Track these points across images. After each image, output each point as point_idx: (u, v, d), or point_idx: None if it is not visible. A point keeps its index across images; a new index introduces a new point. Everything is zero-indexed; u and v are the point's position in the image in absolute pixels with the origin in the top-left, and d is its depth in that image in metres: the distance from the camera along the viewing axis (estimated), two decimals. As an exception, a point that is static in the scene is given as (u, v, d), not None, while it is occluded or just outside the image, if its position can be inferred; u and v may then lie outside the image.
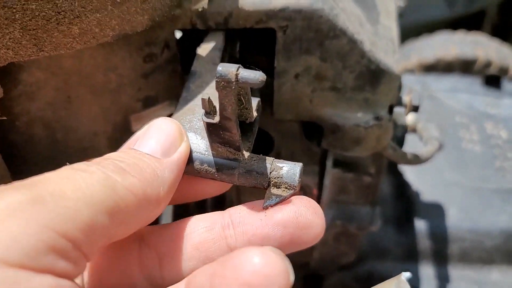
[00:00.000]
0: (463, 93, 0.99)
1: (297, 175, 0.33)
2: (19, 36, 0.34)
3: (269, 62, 0.47)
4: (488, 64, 1.13)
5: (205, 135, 0.34)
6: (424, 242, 0.79)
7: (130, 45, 0.41)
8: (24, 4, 0.33)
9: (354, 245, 0.66)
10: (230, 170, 0.34)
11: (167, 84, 0.46)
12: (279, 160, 0.35)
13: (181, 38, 0.47)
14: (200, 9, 0.42)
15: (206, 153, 0.35)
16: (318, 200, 0.58)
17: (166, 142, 0.33)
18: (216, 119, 0.31)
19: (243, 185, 0.35)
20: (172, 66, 0.45)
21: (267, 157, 0.35)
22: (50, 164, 0.45)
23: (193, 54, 0.45)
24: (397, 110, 0.56)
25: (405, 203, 0.82)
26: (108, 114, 0.44)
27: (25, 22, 0.34)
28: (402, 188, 0.84)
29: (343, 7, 0.45)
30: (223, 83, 0.29)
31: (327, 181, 0.56)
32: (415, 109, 0.55)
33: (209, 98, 0.31)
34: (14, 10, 0.33)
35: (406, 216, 0.81)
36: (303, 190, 0.58)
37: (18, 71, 0.38)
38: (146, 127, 0.34)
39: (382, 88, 0.47)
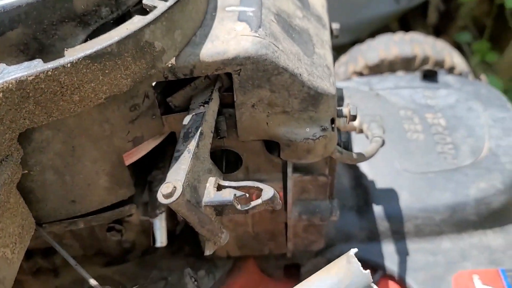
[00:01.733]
0: (405, 89, 1.13)
1: None
2: (33, 108, 0.45)
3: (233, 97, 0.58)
4: (425, 60, 1.27)
5: None
6: (383, 224, 0.92)
7: (118, 101, 0.52)
8: (35, 85, 0.43)
9: (321, 234, 0.78)
10: None
11: (150, 125, 0.57)
12: None
13: (155, 86, 0.58)
14: (169, 65, 0.53)
15: None
16: (284, 201, 0.70)
17: None
18: None
19: None
20: (152, 110, 0.56)
21: None
22: (61, 200, 0.56)
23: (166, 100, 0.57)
24: (340, 120, 0.68)
25: (363, 192, 0.95)
26: (106, 156, 0.55)
27: (37, 97, 0.44)
28: (359, 179, 0.96)
29: (282, 48, 0.57)
30: None
31: (290, 184, 0.68)
32: (354, 118, 0.67)
33: None
34: (28, 90, 0.43)
35: (365, 203, 0.93)
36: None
37: (31, 131, 0.48)
38: None
39: (322, 107, 0.59)
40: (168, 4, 0.51)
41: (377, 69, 1.28)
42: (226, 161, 0.69)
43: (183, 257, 0.82)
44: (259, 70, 0.54)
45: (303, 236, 0.78)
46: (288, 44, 0.59)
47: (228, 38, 0.55)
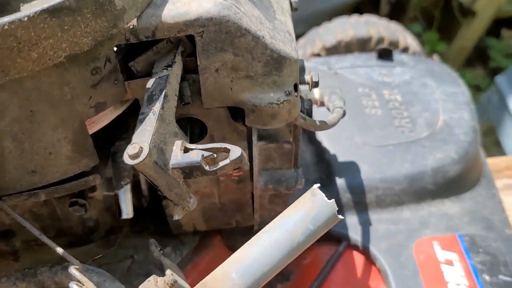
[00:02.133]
0: (362, 68, 1.15)
1: None
2: None
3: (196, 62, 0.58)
4: (380, 40, 1.30)
5: None
6: (346, 196, 0.93)
7: (79, 63, 0.50)
8: None
9: (287, 204, 0.79)
10: None
11: (112, 90, 0.56)
12: None
13: (117, 51, 0.57)
14: (131, 26, 0.52)
15: None
16: (251, 171, 0.70)
17: None
18: None
19: None
20: (114, 75, 0.55)
21: None
22: (21, 170, 0.54)
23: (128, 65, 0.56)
24: (302, 88, 0.69)
25: (325, 166, 0.96)
26: (67, 122, 0.53)
27: None
28: (321, 154, 0.98)
29: (244, 11, 0.57)
30: None
31: (255, 153, 0.68)
32: (316, 84, 0.68)
33: None
34: None
35: (328, 177, 0.95)
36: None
37: None
38: None
39: (285, 71, 0.60)
40: None
41: (334, 51, 1.31)
42: (190, 133, 0.68)
43: (148, 235, 0.81)
44: (222, 32, 0.54)
45: (269, 207, 0.78)
46: (250, 8, 0.59)
47: (190, 0, 0.54)
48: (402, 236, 0.92)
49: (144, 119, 0.50)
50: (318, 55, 1.33)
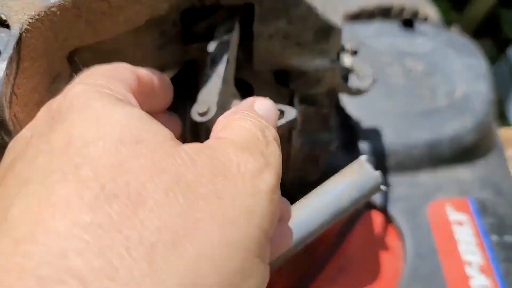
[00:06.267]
0: (385, 36, 1.19)
1: None
2: (83, 27, 0.47)
3: (250, 28, 0.62)
4: (402, 10, 1.33)
5: None
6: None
7: (151, 26, 0.55)
8: (88, 4, 0.46)
9: (318, 166, 0.85)
10: None
11: (175, 52, 0.60)
12: None
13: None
14: (198, -7, 0.56)
15: None
16: (289, 132, 0.75)
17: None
18: None
19: None
20: (177, 39, 0.59)
21: None
22: None
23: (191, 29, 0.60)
24: (342, 55, 0.74)
25: (350, 131, 1.02)
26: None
27: (88, 17, 0.47)
28: (346, 120, 1.03)
29: (299, -17, 0.61)
30: None
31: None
32: (355, 53, 0.72)
33: None
34: (82, 9, 0.46)
35: (351, 141, 1.00)
36: (279, 124, 0.74)
37: (73, 53, 0.51)
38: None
39: (332, 40, 0.64)
40: None
41: (356, 18, 1.34)
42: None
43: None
44: (280, 2, 0.58)
45: (301, 167, 0.84)
46: (303, -20, 0.63)
47: None
48: (417, 198, 0.98)
49: (208, 80, 0.54)
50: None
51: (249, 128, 0.34)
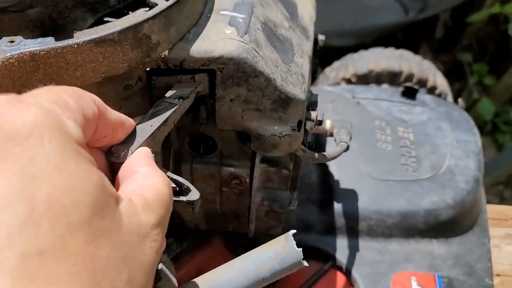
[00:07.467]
0: (384, 101, 1.22)
1: None
2: (41, 78, 0.53)
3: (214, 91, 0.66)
4: (410, 76, 1.35)
5: None
6: (340, 220, 1.01)
7: (114, 81, 0.60)
8: (46, 59, 0.52)
9: (280, 220, 0.88)
10: None
11: (140, 104, 0.66)
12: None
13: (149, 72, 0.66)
14: (162, 56, 0.62)
15: None
16: (250, 186, 0.79)
17: None
18: None
19: None
20: (143, 92, 0.65)
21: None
22: None
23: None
24: (309, 123, 0.77)
25: (328, 189, 1.04)
26: (98, 125, 0.63)
27: (46, 69, 0.53)
28: (326, 177, 1.06)
29: (263, 54, 0.65)
30: None
31: (256, 172, 0.77)
32: (320, 123, 0.76)
33: None
34: (39, 62, 0.52)
35: (328, 199, 1.03)
36: (238, 179, 0.78)
37: None
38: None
39: (290, 110, 0.68)
40: (168, 3, 0.59)
41: (364, 79, 1.37)
42: (204, 146, 0.78)
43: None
44: (239, 71, 0.63)
45: (264, 220, 0.87)
46: (269, 51, 0.67)
47: (217, 39, 0.63)
48: (384, 266, 0.99)
49: (140, 128, 0.57)
50: (349, 80, 1.39)
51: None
